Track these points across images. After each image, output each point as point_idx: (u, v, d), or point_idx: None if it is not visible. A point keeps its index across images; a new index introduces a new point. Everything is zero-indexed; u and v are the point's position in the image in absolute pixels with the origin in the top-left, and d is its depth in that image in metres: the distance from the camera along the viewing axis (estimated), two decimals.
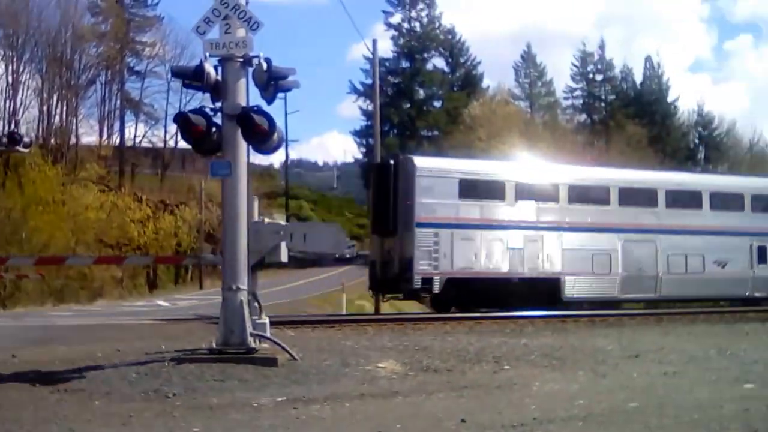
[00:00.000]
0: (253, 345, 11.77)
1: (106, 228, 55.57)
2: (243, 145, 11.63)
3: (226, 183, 11.65)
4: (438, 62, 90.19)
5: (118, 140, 74.49)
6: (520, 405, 9.49)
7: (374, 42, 41.18)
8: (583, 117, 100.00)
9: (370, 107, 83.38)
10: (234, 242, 11.70)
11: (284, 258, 12.82)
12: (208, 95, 12.06)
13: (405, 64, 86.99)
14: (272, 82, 11.72)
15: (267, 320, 12.81)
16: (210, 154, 12.18)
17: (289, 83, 12.24)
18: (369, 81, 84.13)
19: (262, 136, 11.37)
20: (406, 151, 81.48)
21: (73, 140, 66.41)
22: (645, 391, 10.56)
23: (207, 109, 11.55)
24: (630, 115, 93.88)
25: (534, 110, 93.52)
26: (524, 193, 30.53)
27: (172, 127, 71.80)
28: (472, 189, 29.84)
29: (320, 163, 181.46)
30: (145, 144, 76.47)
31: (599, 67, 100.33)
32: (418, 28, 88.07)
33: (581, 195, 31.54)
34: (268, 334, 12.53)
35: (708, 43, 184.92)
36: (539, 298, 29.55)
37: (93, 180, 59.01)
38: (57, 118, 66.28)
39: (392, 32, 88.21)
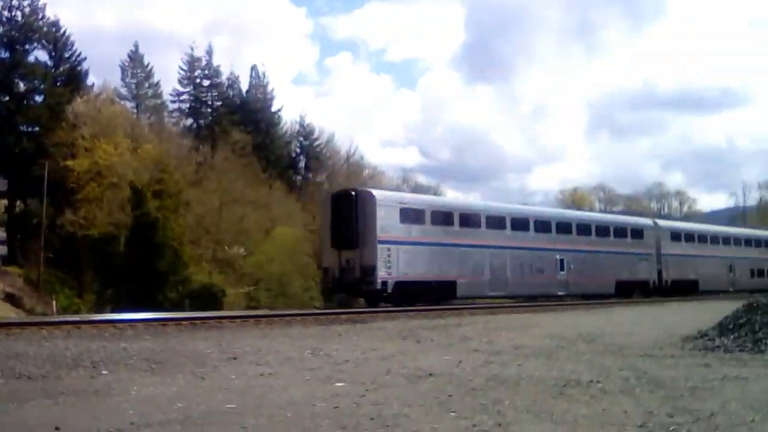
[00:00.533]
0: None
1: None
2: None
3: None
4: (41, 55, 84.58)
5: None
6: (117, 410, 9.34)
7: None
8: (190, 121, 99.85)
9: None
10: None
11: None
12: None
13: (4, 54, 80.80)
14: None
15: None
16: None
17: None
18: None
19: None
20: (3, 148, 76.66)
21: None
22: (243, 392, 10.83)
23: None
24: (236, 122, 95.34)
25: (140, 111, 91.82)
26: (435, 218, 41.16)
27: None
28: (406, 216, 39.63)
29: None
30: None
31: (207, 72, 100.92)
32: (19, 18, 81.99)
33: (466, 221, 42.84)
34: None
35: (311, 57, 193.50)
36: (446, 295, 40.71)
37: None
38: None
39: None
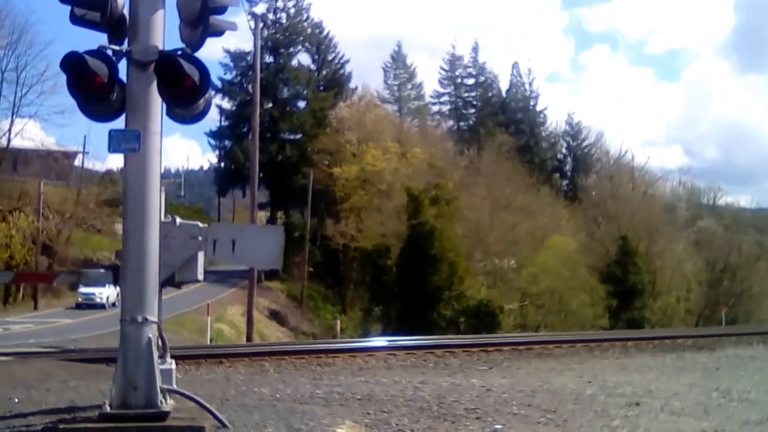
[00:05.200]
0: (165, 407, 8.31)
1: None
2: (157, 106, 8.21)
3: (131, 162, 8.15)
4: (303, 59, 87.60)
5: None
6: None
7: (256, 18, 37.94)
8: (450, 123, 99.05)
9: (229, 105, 80.00)
10: (141, 251, 8.18)
11: (200, 274, 9.50)
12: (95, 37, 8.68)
13: (269, 59, 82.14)
14: (204, 18, 8.32)
15: (173, 365, 9.40)
16: (106, 119, 8.58)
17: (225, 23, 8.97)
18: (230, 76, 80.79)
19: (191, 93, 7.94)
20: (265, 158, 78.14)
21: None
22: None
23: (109, 52, 8.04)
24: (501, 122, 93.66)
25: (403, 114, 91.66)
26: None
27: (5, 123, 66.77)
28: None
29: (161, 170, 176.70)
30: None
31: (471, 71, 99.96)
32: (284, 20, 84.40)
33: None
34: (175, 386, 9.11)
35: (566, 53, 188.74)
36: None
37: None
38: None
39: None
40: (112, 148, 8.14)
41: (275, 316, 64.69)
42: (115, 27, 8.34)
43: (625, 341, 25.13)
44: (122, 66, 8.18)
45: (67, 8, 8.24)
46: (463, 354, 20.68)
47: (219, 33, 9.05)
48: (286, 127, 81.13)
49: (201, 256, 9.38)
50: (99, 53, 7.86)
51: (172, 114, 8.70)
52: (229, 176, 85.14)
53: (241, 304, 56.63)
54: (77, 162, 75.93)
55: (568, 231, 79.07)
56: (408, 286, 56.15)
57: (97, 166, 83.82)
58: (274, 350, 20.45)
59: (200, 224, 9.50)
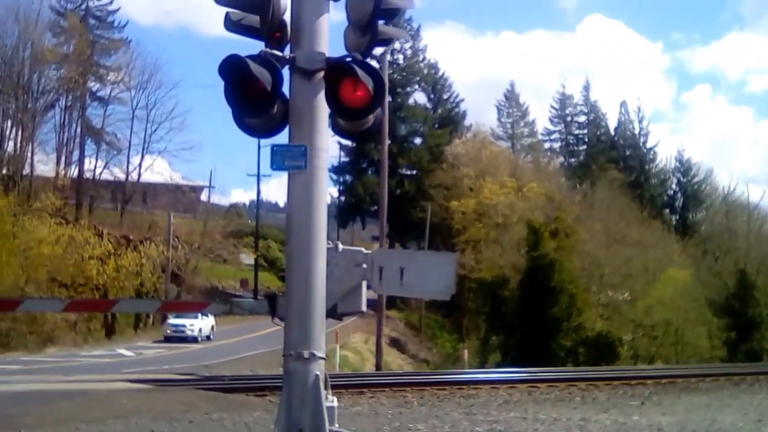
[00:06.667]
0: None
1: (60, 265, 49.53)
2: (323, 119, 7.04)
3: (296, 181, 6.98)
4: (419, 97, 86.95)
5: (76, 171, 68.31)
6: None
7: (383, 57, 36.66)
8: (560, 160, 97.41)
9: (350, 142, 79.76)
10: (308, 279, 6.96)
11: (364, 305, 8.27)
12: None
13: (387, 97, 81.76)
14: (374, 21, 7.14)
15: (335, 402, 8.10)
16: (265, 134, 7.45)
17: (393, 31, 7.83)
18: None
19: (364, 103, 6.79)
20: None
21: (27, 169, 60.57)
22: None
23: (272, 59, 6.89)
24: (612, 159, 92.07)
25: (516, 151, 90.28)
26: None
27: (136, 158, 67.89)
28: None
29: (281, 204, 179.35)
30: (105, 176, 69.90)
31: (581, 109, 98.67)
32: (401, 61, 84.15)
33: None
34: (338, 426, 7.81)
35: (668, 94, 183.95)
36: None
37: (48, 212, 52.76)
38: (10, 144, 60.90)
39: (374, 64, 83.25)
40: (275, 165, 6.97)
41: (395, 343, 63.52)
42: (275, 33, 7.21)
43: None
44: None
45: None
46: (607, 387, 19.26)
47: (386, 42, 7.89)
48: (404, 163, 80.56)
49: (365, 285, 8.16)
50: (261, 59, 6.71)
51: (336, 128, 7.54)
52: (349, 209, 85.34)
53: (362, 331, 55.75)
54: (203, 196, 76.89)
55: (681, 265, 76.27)
56: (528, 317, 54.37)
57: (222, 201, 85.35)
58: (414, 381, 19.38)
59: (364, 250, 8.27)
